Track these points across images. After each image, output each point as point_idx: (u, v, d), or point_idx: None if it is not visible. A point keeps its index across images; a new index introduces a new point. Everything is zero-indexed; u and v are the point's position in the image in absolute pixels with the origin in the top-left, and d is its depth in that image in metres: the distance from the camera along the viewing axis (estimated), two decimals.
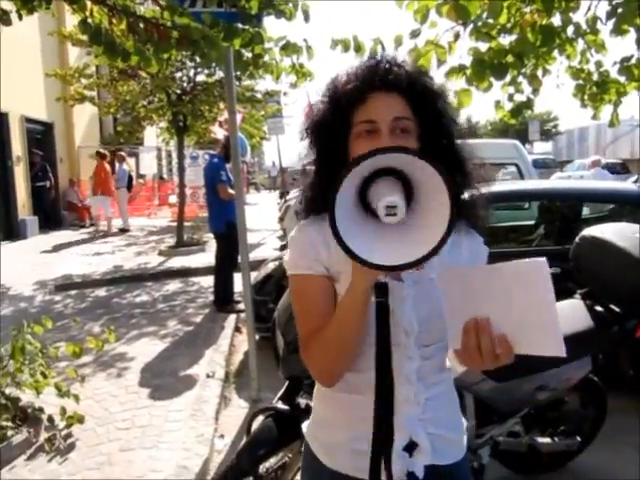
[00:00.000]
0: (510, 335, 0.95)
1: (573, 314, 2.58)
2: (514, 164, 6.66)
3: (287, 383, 2.40)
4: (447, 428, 1.21)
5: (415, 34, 2.43)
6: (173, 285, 7.60)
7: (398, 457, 1.12)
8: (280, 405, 2.34)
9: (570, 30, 2.61)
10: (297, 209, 1.23)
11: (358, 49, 2.76)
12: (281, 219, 10.31)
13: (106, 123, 18.04)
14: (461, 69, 2.21)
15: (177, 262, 8.84)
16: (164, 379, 4.18)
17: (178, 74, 9.48)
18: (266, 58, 3.18)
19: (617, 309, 2.58)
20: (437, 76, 2.25)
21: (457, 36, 2.11)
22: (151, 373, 4.33)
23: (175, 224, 10.55)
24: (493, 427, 2.48)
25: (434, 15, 2.05)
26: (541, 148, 38.14)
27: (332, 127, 1.09)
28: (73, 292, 7.29)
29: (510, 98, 2.95)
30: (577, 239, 2.67)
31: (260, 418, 2.38)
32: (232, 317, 5.85)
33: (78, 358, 3.54)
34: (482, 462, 2.42)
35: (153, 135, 17.83)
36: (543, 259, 0.89)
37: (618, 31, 2.51)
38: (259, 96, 10.73)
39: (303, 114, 14.36)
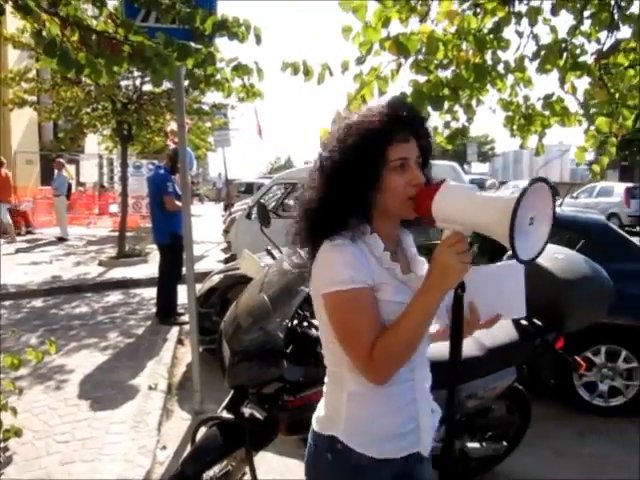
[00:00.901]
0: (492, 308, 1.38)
1: (499, 327, 2.76)
2: None
3: (232, 393, 2.47)
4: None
5: (361, 61, 2.60)
6: (114, 296, 7.46)
7: (431, 426, 1.48)
8: (225, 414, 2.40)
9: (501, 67, 2.86)
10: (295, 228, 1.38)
11: (307, 73, 2.89)
12: (226, 231, 10.29)
13: (46, 129, 17.44)
14: (403, 98, 2.39)
15: (118, 273, 8.67)
16: (105, 391, 4.13)
17: (124, 82, 9.37)
18: (218, 76, 3.27)
19: (539, 323, 2.81)
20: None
21: (399, 68, 2.29)
22: (91, 385, 4.26)
23: (116, 234, 10.34)
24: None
25: (378, 46, 2.22)
26: (479, 169, 39.85)
27: (370, 162, 1.27)
28: (8, 303, 7.02)
29: (447, 125, 3.16)
30: (505, 258, 2.89)
31: (205, 428, 2.43)
32: (175, 329, 5.82)
33: (16, 370, 3.45)
34: None
35: (94, 142, 17.38)
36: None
37: (542, 70, 2.78)
38: (206, 108, 10.74)
39: (256, 130, 14.44)
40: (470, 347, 2.67)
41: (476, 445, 2.92)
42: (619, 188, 18.13)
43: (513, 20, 2.81)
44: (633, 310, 4.14)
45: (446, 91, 2.36)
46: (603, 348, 4.17)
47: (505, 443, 3.05)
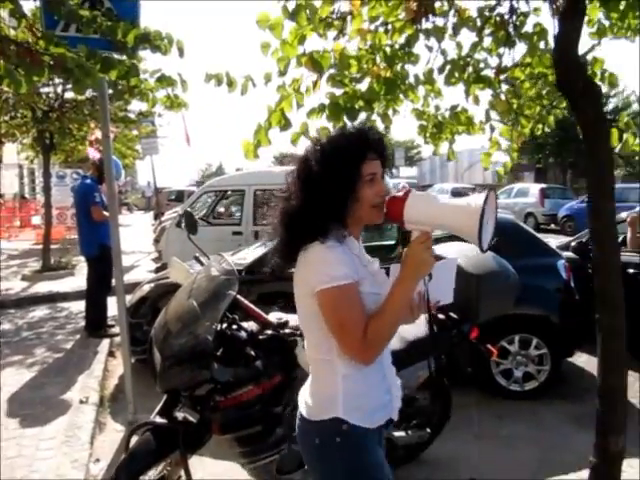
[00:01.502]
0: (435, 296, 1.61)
1: (418, 321, 2.98)
2: None
3: (165, 398, 2.52)
4: None
5: (283, 73, 2.73)
6: (39, 311, 7.20)
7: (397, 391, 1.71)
8: (158, 419, 2.45)
9: (411, 79, 3.08)
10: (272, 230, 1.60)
11: (230, 84, 2.98)
12: (156, 241, 10.13)
13: None
14: (320, 110, 2.54)
15: (43, 287, 8.35)
16: (34, 408, 4.02)
17: (45, 89, 9.06)
18: (142, 86, 3.30)
19: (455, 315, 3.04)
20: (299, 115, 2.54)
21: (316, 82, 2.44)
22: (19, 403, 4.14)
23: (40, 247, 9.95)
24: None
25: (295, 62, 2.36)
26: (406, 173, 41.16)
27: (351, 177, 1.49)
28: None
29: None
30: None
31: (138, 435, 2.46)
32: (105, 342, 5.71)
33: None
34: None
35: (14, 152, 16.57)
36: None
37: (448, 82, 3.02)
38: (132, 116, 10.55)
39: (184, 138, 14.27)
40: (392, 341, 2.85)
41: (402, 434, 3.09)
42: (534, 189, 19.25)
43: (422, 37, 3.03)
44: (541, 301, 4.51)
45: (361, 103, 2.54)
46: (517, 337, 4.52)
47: (429, 430, 3.25)
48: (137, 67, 2.90)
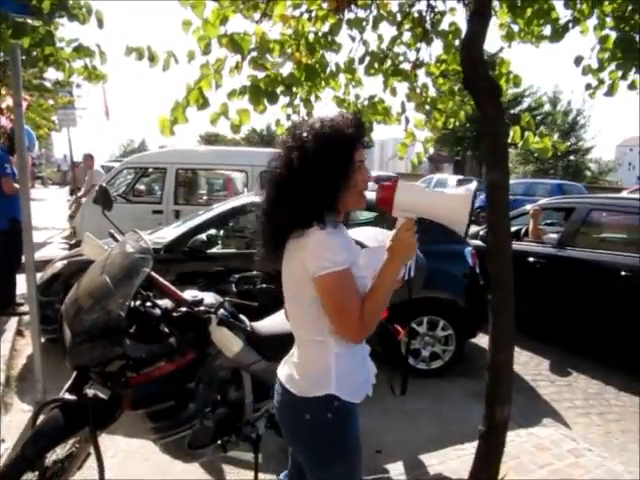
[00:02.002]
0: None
1: None
2: None
3: (74, 375, 2.49)
4: None
5: (205, 52, 2.74)
6: None
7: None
8: (67, 396, 2.42)
9: (334, 67, 3.17)
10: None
11: (152, 59, 2.93)
12: (71, 217, 9.71)
13: None
14: (241, 92, 2.57)
15: None
16: None
17: None
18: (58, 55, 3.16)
19: None
20: (218, 96, 2.56)
21: (237, 63, 2.47)
22: None
23: None
24: (269, 401, 2.79)
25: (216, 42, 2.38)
26: None
27: (345, 163, 1.55)
28: None
29: (288, 118, 3.42)
30: None
31: (46, 412, 2.41)
32: (13, 320, 5.47)
33: None
34: (259, 433, 2.75)
35: None
36: None
37: (368, 73, 3.15)
38: (48, 85, 9.98)
39: (104, 111, 13.63)
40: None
41: None
42: (452, 180, 20.13)
43: (346, 27, 3.12)
44: (448, 285, 4.81)
45: (282, 87, 2.60)
46: (425, 319, 4.79)
47: None
48: (52, 35, 2.79)
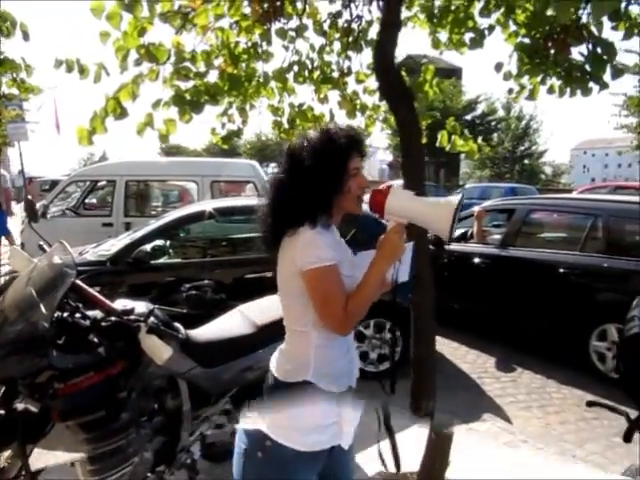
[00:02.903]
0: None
1: (270, 306, 3.10)
2: (251, 182, 7.36)
3: (2, 389, 2.45)
4: None
5: (123, 64, 2.77)
6: None
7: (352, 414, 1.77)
8: None
9: (264, 76, 3.24)
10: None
11: (82, 71, 2.94)
12: (22, 232, 9.47)
13: None
14: (167, 102, 2.60)
15: None
16: None
17: None
18: None
19: None
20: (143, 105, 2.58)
21: (156, 74, 2.50)
22: None
23: None
24: (207, 408, 2.80)
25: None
26: None
27: (338, 172, 1.66)
28: None
29: (223, 126, 3.47)
30: None
31: None
32: None
33: None
34: (194, 458, 2.73)
35: None
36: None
37: (297, 81, 3.22)
38: None
39: (54, 123, 13.36)
40: (243, 326, 2.98)
41: None
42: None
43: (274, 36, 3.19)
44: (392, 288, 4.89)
45: (206, 97, 2.64)
46: (372, 322, 4.86)
47: None
48: None
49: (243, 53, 2.84)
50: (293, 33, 3.06)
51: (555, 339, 5.31)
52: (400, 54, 3.72)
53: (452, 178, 31.25)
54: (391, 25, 2.30)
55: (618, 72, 2.79)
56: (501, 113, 34.54)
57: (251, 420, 1.74)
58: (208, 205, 5.09)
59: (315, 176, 1.66)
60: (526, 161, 34.82)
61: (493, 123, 33.86)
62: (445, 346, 5.64)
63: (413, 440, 3.34)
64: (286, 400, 1.73)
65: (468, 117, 32.57)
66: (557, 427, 4.10)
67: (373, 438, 1.87)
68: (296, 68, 3.13)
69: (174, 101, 2.54)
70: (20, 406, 2.45)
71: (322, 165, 1.66)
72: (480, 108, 33.90)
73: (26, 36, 2.98)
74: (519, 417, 4.25)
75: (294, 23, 3.25)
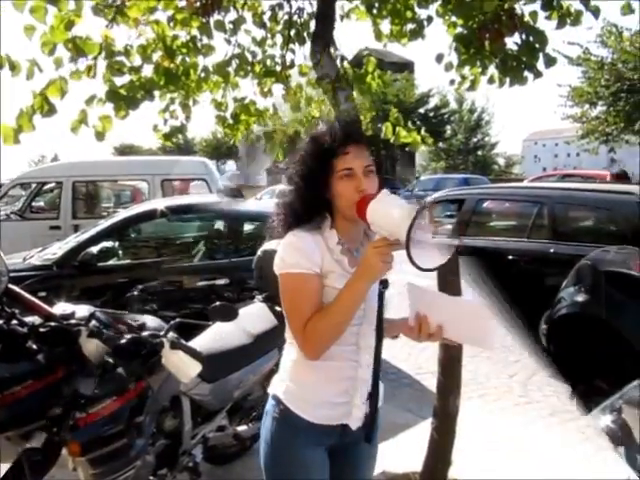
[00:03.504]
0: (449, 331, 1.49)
1: (259, 315, 3.01)
2: (203, 179, 7.25)
3: None
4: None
5: (73, 58, 2.68)
6: None
7: (363, 403, 1.57)
8: None
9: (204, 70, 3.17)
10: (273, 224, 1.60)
11: (13, 68, 2.82)
12: None
13: None
14: (100, 99, 2.52)
15: None
16: None
17: None
18: None
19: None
20: (74, 103, 2.50)
21: (90, 69, 2.42)
22: None
23: None
24: (206, 425, 2.71)
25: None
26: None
27: (319, 173, 1.50)
28: None
29: (165, 123, 3.39)
30: (260, 252, 2.82)
31: None
32: None
33: None
34: (196, 460, 2.66)
35: None
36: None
37: (238, 74, 3.18)
38: None
39: None
40: (240, 336, 2.85)
41: (245, 427, 3.06)
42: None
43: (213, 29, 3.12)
44: None
45: (142, 93, 2.57)
46: None
47: None
48: None
49: (182, 47, 2.77)
50: (231, 25, 3.01)
51: (507, 324, 5.44)
52: (352, 47, 3.74)
53: (408, 171, 31.67)
54: (325, 17, 2.29)
55: (551, 61, 2.86)
56: (454, 106, 35.22)
57: (272, 385, 1.67)
58: (156, 204, 4.98)
59: (301, 179, 1.54)
60: (479, 152, 35.68)
61: (446, 116, 34.43)
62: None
63: (415, 439, 3.36)
64: (298, 375, 1.60)
65: (421, 110, 33.02)
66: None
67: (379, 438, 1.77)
68: (237, 61, 3.07)
69: (108, 97, 2.46)
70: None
71: (304, 167, 1.54)
72: (433, 102, 34.45)
73: None
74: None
75: (232, 16, 3.20)
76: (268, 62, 3.41)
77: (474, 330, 1.47)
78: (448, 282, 2.33)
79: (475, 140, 35.38)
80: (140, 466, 2.32)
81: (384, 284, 1.50)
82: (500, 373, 4.97)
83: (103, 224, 4.86)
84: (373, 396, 1.58)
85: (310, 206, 1.53)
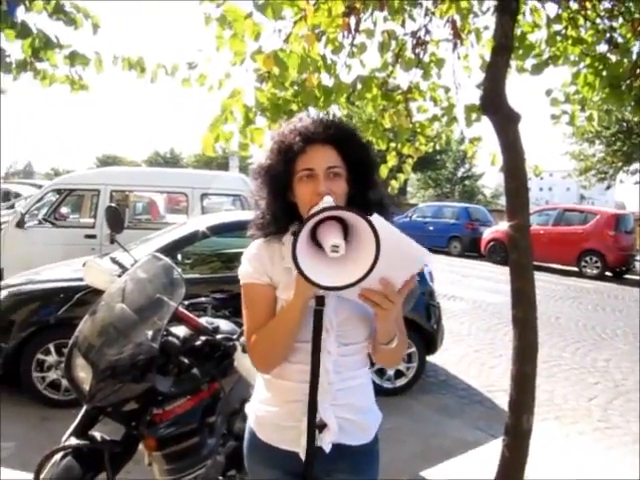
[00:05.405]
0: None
1: None
2: (238, 196, 7.04)
3: (80, 417, 2.23)
4: (357, 414, 1.44)
5: (192, 66, 2.67)
6: None
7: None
8: (75, 441, 2.16)
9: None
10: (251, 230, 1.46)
11: (141, 70, 2.82)
12: None
13: None
14: (264, 109, 2.52)
15: None
16: None
17: None
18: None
19: None
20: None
21: (264, 79, 2.42)
22: None
23: None
24: None
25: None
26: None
27: (280, 173, 1.37)
28: None
29: None
30: None
31: (52, 462, 2.12)
32: None
33: None
34: None
35: None
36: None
37: (360, 97, 3.20)
38: None
39: None
40: None
41: None
42: None
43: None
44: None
45: (298, 106, 2.57)
46: None
47: None
48: (55, 38, 2.54)
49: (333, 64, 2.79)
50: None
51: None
52: None
53: (401, 197, 32.04)
54: (505, 49, 2.35)
55: None
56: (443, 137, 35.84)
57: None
58: (223, 218, 4.91)
59: (267, 180, 1.41)
60: (467, 182, 36.35)
61: (438, 148, 35.03)
62: (442, 360, 5.67)
63: (485, 458, 3.35)
64: (258, 390, 1.55)
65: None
66: None
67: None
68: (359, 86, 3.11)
69: (271, 109, 2.45)
70: (97, 435, 2.25)
71: (270, 168, 1.40)
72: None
73: (95, 29, 2.78)
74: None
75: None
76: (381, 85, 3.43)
77: (403, 257, 1.26)
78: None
79: (463, 170, 36.08)
80: (210, 465, 2.34)
81: (319, 301, 1.33)
82: (579, 395, 4.96)
83: (171, 235, 4.74)
84: (310, 425, 1.35)
85: (270, 210, 1.41)
